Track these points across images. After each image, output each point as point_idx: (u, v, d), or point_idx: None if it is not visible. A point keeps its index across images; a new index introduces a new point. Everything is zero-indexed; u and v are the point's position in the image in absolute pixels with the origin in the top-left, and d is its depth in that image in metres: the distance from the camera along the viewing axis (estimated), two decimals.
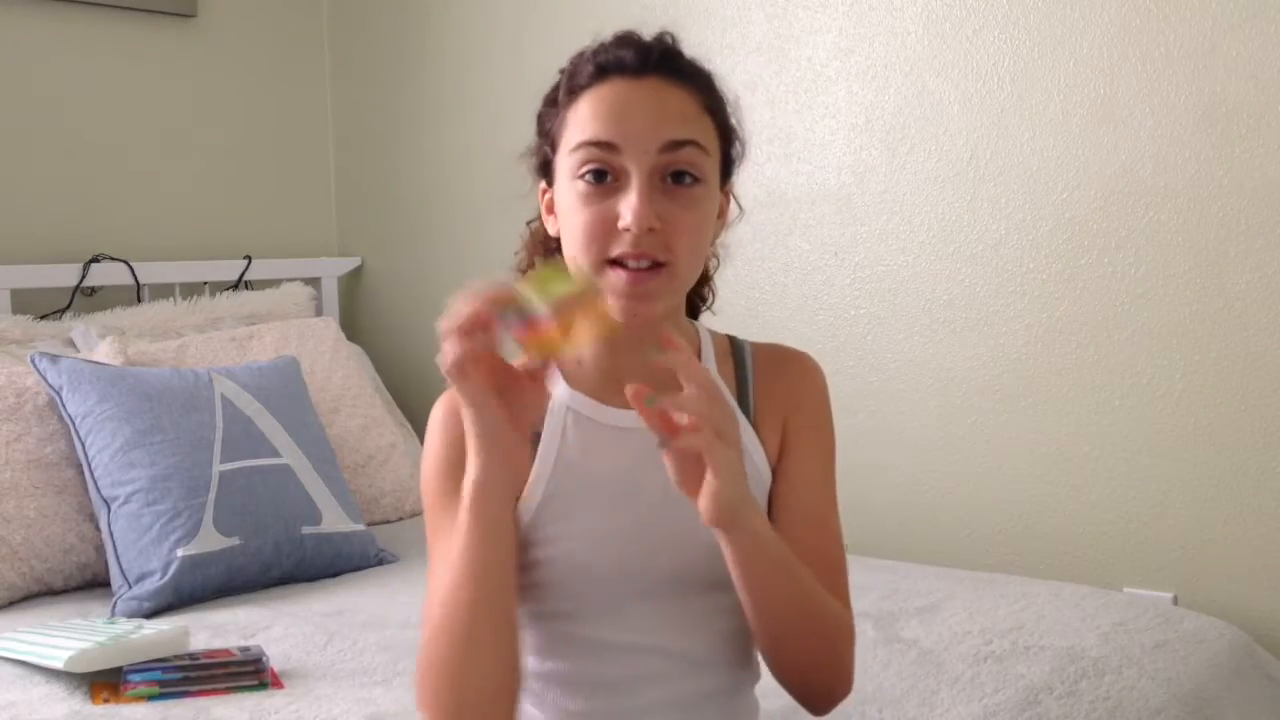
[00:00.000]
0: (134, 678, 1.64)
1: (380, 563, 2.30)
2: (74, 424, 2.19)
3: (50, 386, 2.23)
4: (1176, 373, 2.09)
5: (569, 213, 1.13)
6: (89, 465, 2.16)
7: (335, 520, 2.26)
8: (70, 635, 1.76)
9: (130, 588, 2.05)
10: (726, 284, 2.73)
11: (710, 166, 1.14)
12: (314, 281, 3.08)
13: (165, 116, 2.92)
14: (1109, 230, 2.13)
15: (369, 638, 1.86)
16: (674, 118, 1.12)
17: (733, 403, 1.21)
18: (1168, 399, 2.10)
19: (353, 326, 3.18)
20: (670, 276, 1.12)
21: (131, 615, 2.00)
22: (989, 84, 2.24)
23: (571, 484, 1.15)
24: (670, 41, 1.18)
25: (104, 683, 1.67)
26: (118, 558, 2.09)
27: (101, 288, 2.75)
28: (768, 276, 2.51)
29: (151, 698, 1.63)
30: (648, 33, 1.18)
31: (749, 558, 1.09)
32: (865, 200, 2.39)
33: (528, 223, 1.27)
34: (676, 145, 1.11)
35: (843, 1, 2.39)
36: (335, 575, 2.24)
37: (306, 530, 2.21)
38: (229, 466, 2.19)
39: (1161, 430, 2.11)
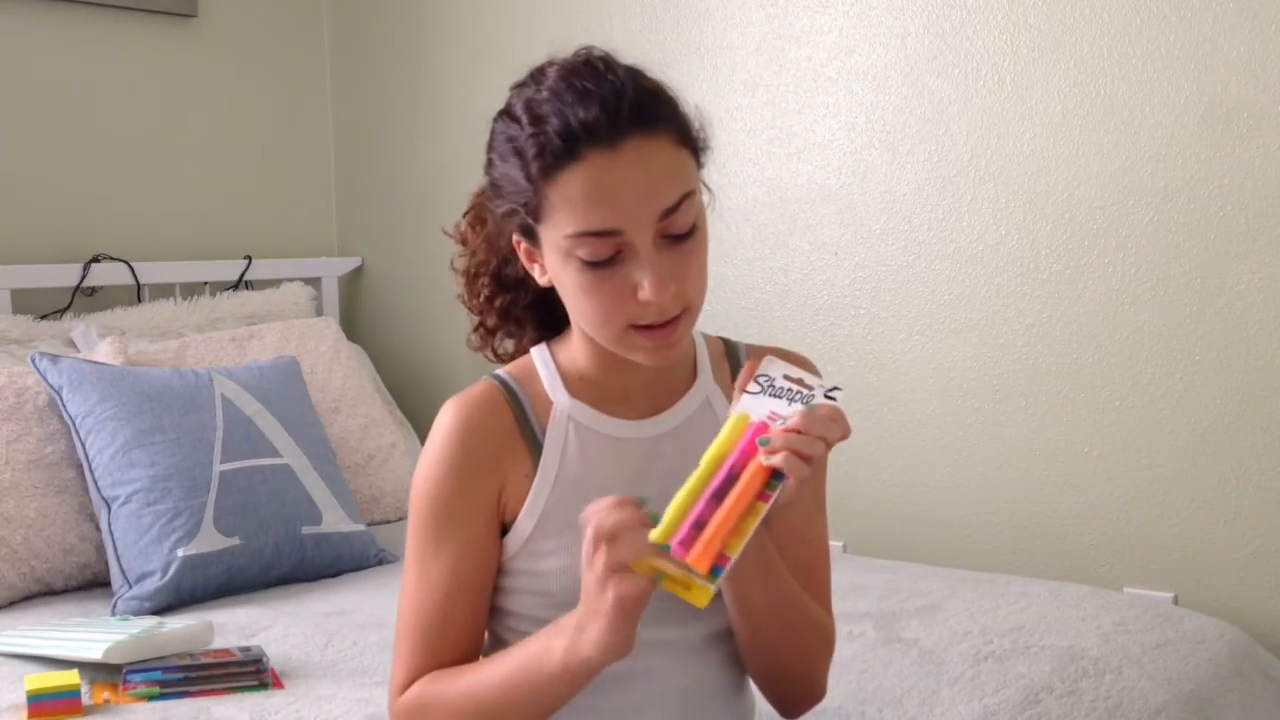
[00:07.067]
0: (134, 678, 1.64)
1: (380, 563, 2.30)
2: (74, 424, 2.19)
3: (50, 386, 2.23)
4: (1176, 373, 2.09)
5: (575, 291, 1.10)
6: (89, 465, 2.16)
7: (335, 520, 2.26)
8: (96, 630, 1.77)
9: (130, 588, 2.06)
10: (726, 284, 2.72)
11: (698, 199, 1.11)
12: (314, 281, 3.08)
13: (165, 116, 2.92)
14: (1109, 230, 2.13)
15: (369, 638, 1.86)
16: (662, 179, 1.06)
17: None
18: (1168, 399, 2.10)
19: (353, 326, 3.18)
20: (690, 318, 1.12)
21: (133, 615, 2.00)
22: (989, 84, 2.24)
23: (571, 497, 1.13)
24: (626, 78, 1.08)
25: (104, 682, 1.67)
26: (118, 558, 2.09)
27: (101, 288, 2.75)
28: (768, 276, 2.51)
29: (151, 698, 1.63)
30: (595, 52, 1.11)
31: (765, 563, 1.10)
32: (865, 200, 2.39)
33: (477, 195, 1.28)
34: (672, 209, 1.06)
35: (843, 1, 2.39)
36: (335, 575, 2.24)
37: (307, 530, 2.21)
38: (229, 466, 2.19)
39: (1161, 430, 2.11)
